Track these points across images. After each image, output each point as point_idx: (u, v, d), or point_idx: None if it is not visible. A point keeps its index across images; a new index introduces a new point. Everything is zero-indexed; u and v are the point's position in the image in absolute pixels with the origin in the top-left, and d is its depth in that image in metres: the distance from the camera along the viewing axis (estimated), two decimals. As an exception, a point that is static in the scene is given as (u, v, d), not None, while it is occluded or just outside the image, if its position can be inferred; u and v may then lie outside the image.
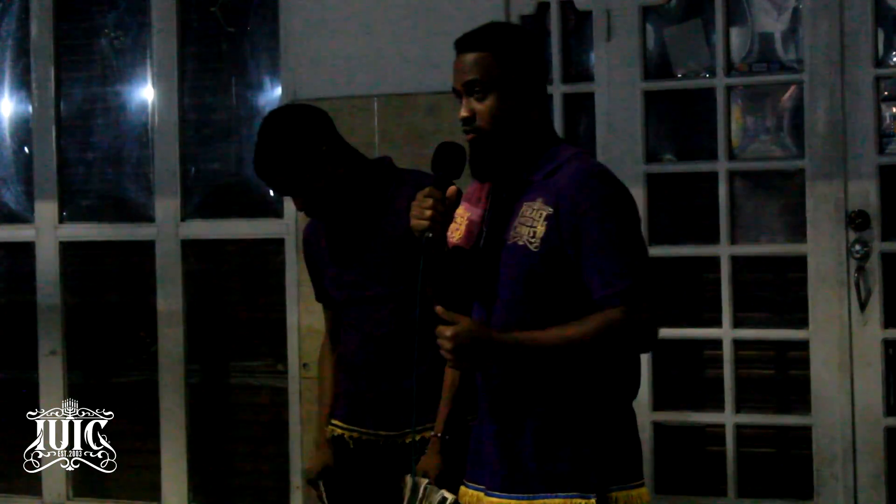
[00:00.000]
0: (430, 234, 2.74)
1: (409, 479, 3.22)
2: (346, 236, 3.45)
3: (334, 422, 3.51)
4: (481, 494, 2.83)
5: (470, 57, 2.79)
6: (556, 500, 2.72)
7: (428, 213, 2.72)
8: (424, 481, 3.20)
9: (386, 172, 3.46)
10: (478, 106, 2.77)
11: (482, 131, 2.77)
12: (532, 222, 2.73)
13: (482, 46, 2.80)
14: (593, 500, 2.71)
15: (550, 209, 2.72)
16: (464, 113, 2.79)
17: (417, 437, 3.34)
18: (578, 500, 2.71)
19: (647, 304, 2.67)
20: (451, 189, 2.77)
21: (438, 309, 2.69)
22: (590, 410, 2.74)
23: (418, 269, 2.74)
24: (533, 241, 2.72)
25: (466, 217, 2.83)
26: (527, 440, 2.75)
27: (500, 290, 2.75)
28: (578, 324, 2.67)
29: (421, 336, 3.31)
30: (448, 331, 2.65)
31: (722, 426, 4.63)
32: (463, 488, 2.90)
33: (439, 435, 3.27)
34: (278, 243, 5.19)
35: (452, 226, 2.82)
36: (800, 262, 4.54)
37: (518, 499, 2.76)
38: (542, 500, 2.74)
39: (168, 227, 5.37)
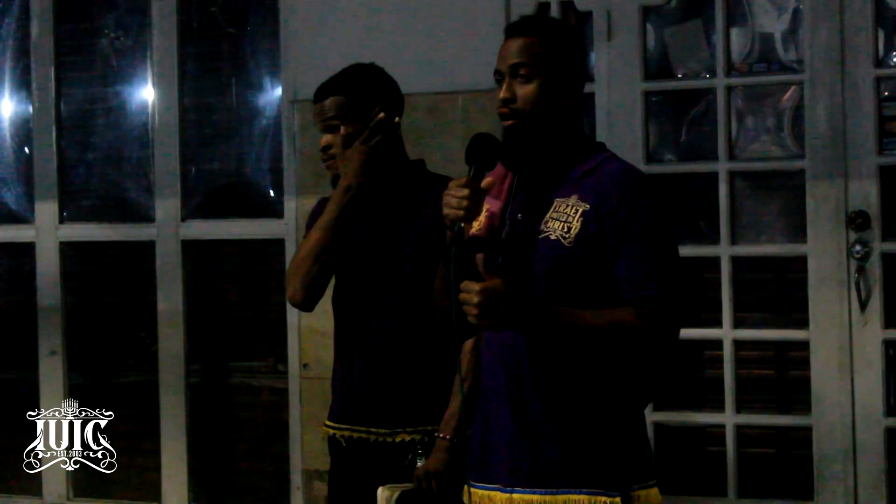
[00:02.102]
0: (463, 225, 2.72)
1: (380, 491, 3.23)
2: (364, 226, 3.43)
3: (327, 422, 3.51)
4: (493, 493, 2.81)
5: (518, 41, 2.81)
6: (581, 497, 2.72)
7: (465, 203, 2.70)
8: (387, 491, 3.21)
9: (420, 174, 3.46)
10: (520, 89, 2.78)
11: (522, 116, 2.78)
12: (567, 218, 2.74)
13: (532, 33, 2.81)
14: (618, 500, 2.71)
15: (587, 206, 2.73)
16: (503, 94, 2.79)
17: (408, 438, 3.34)
18: (603, 499, 2.72)
19: (677, 313, 2.69)
20: (487, 180, 2.76)
21: (479, 257, 2.69)
22: (614, 409, 2.75)
23: (449, 259, 2.70)
24: (567, 236, 2.73)
25: (486, 209, 2.83)
26: (552, 436, 2.75)
27: (532, 284, 2.75)
28: (611, 313, 2.68)
29: (422, 338, 3.31)
30: (478, 286, 2.63)
31: (722, 426, 4.63)
32: (471, 489, 2.89)
33: (444, 436, 3.24)
34: (278, 243, 5.19)
35: None
36: (800, 263, 4.54)
37: (541, 493, 2.75)
38: (565, 496, 2.74)
39: (168, 227, 5.37)
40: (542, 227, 2.76)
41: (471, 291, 2.63)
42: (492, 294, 2.61)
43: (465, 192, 2.71)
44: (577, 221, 2.73)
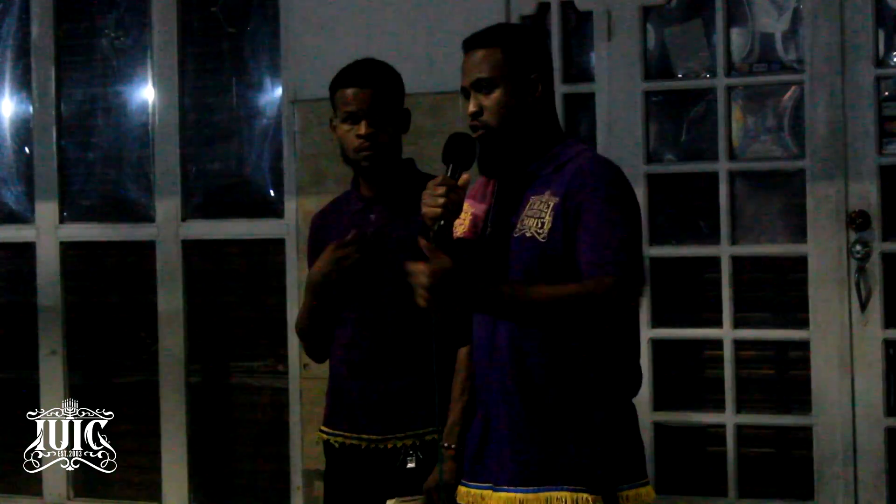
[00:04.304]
0: (443, 222, 2.74)
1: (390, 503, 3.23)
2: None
3: (322, 428, 3.51)
4: (486, 492, 2.83)
5: (478, 54, 2.84)
6: (563, 493, 2.74)
7: (441, 200, 2.73)
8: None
9: (412, 174, 3.46)
10: (485, 101, 2.82)
11: (490, 127, 2.81)
12: (540, 213, 2.76)
13: (489, 43, 2.84)
14: (600, 499, 2.72)
15: (557, 199, 2.75)
16: (471, 108, 2.83)
17: (399, 444, 3.34)
18: (585, 496, 2.72)
19: (636, 284, 2.69)
20: (464, 178, 2.79)
21: (422, 242, 2.68)
22: (596, 406, 2.76)
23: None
24: (541, 231, 2.75)
25: (470, 212, 2.87)
26: (537, 433, 2.76)
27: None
28: (567, 285, 2.68)
29: (412, 343, 3.31)
30: (426, 267, 2.62)
31: (722, 426, 4.63)
32: (462, 489, 2.90)
33: (449, 445, 3.22)
34: (278, 243, 5.19)
35: (457, 220, 2.83)
36: (800, 263, 4.54)
37: (524, 492, 2.77)
38: (547, 493, 2.75)
39: (168, 227, 5.37)
40: (519, 225, 2.79)
41: (419, 273, 2.61)
42: (440, 274, 2.60)
43: (442, 189, 2.73)
44: (549, 216, 2.75)
